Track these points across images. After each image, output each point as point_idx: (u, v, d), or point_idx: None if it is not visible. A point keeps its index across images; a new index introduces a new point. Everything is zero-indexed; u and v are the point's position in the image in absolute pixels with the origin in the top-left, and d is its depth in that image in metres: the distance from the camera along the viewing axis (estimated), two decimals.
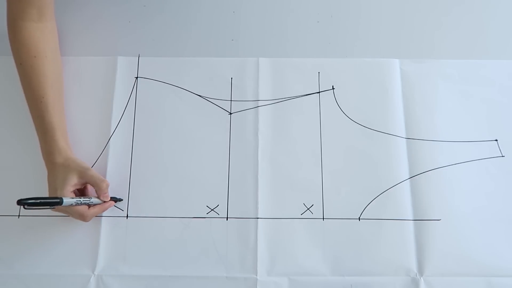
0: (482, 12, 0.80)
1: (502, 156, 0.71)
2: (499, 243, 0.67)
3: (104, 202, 0.66)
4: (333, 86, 0.74)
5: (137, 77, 0.75)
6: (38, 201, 0.59)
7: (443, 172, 0.70)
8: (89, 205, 0.65)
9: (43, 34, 0.68)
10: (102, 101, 0.73)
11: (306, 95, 0.74)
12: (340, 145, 0.71)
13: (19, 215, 0.68)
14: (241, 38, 0.77)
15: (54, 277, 0.65)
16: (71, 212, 0.64)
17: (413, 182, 0.70)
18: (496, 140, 0.72)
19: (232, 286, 0.65)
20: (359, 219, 0.68)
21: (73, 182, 0.64)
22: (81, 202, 0.63)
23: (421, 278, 0.65)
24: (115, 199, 0.68)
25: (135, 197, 0.69)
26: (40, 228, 0.67)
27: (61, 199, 0.60)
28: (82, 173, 0.64)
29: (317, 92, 0.74)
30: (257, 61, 0.75)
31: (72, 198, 0.62)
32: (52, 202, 0.60)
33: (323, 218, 0.68)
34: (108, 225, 0.67)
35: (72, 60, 0.76)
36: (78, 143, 0.71)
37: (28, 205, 0.58)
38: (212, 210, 0.68)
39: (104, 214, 0.68)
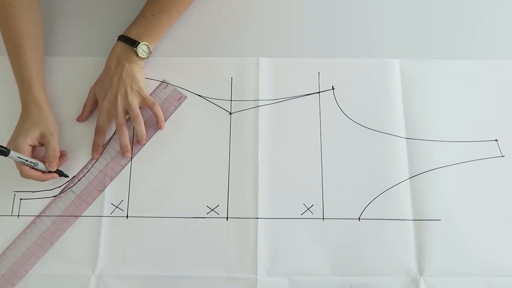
0: (482, 12, 0.80)
1: (502, 156, 0.71)
2: (499, 243, 0.67)
3: (49, 171, 0.67)
4: (333, 86, 0.74)
5: None
6: None
7: (443, 172, 0.70)
8: (35, 168, 0.66)
9: None
10: None
11: (306, 95, 0.74)
12: (340, 145, 0.71)
13: (18, 215, 0.68)
14: (241, 38, 0.77)
15: (54, 277, 0.65)
16: (15, 163, 0.66)
17: (413, 182, 0.70)
18: (496, 140, 0.72)
19: (232, 286, 0.65)
20: (359, 219, 0.68)
21: (34, 136, 0.66)
22: (25, 162, 0.64)
23: (421, 278, 0.65)
24: (60, 173, 0.68)
25: (135, 197, 0.69)
26: (40, 228, 0.67)
27: (9, 151, 0.62)
28: (45, 133, 0.66)
29: (317, 92, 0.74)
30: (257, 61, 0.75)
31: (20, 156, 0.63)
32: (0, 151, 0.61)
33: (323, 218, 0.68)
34: (108, 225, 0.67)
35: (72, 60, 0.76)
36: (79, 142, 0.71)
37: None
38: (212, 210, 0.68)
39: (104, 214, 0.68)
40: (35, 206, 0.68)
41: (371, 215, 0.68)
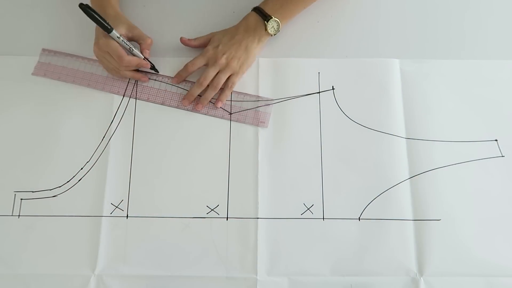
0: (482, 12, 0.80)
1: (502, 156, 0.71)
2: (499, 243, 0.67)
3: (144, 58, 0.72)
4: (333, 86, 0.74)
5: None
6: (96, 15, 0.64)
7: (443, 172, 0.70)
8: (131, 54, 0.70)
9: None
10: (102, 101, 0.73)
11: (306, 95, 0.74)
12: (340, 145, 0.71)
13: (19, 215, 0.68)
14: None
15: (54, 277, 0.65)
16: (112, 51, 0.68)
17: (413, 182, 0.70)
18: (496, 140, 0.72)
19: (232, 286, 0.65)
20: (359, 219, 0.68)
21: (120, 32, 0.69)
22: (124, 42, 0.68)
23: (421, 278, 0.65)
24: (152, 65, 0.73)
25: (135, 197, 0.69)
26: (40, 228, 0.67)
27: (112, 28, 0.66)
28: (131, 27, 0.71)
29: (317, 92, 0.74)
30: (257, 61, 0.75)
31: (120, 36, 0.67)
32: (104, 26, 0.65)
33: (323, 218, 0.68)
34: (108, 225, 0.67)
35: (72, 60, 0.75)
36: (79, 142, 0.71)
37: (85, 12, 0.63)
38: (212, 210, 0.68)
39: (104, 214, 0.68)
40: (35, 206, 0.68)
41: (371, 215, 0.68)
